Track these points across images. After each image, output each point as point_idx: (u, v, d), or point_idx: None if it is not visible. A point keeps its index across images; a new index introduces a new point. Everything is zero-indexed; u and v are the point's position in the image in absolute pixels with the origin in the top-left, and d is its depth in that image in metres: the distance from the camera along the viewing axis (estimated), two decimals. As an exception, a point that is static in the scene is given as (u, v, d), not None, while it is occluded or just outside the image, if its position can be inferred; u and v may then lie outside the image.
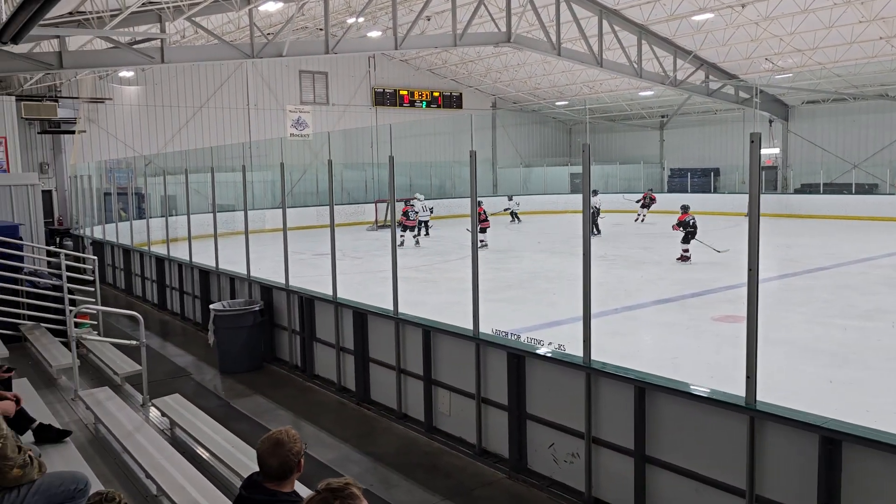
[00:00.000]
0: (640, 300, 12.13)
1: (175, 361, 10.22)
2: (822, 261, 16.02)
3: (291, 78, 30.01)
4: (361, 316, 7.98)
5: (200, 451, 5.86)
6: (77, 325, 8.45)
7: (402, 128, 31.61)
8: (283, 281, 9.48)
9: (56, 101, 24.25)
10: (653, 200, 26.56)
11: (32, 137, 24.69)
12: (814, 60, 23.78)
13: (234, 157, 26.09)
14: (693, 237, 16.45)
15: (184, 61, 17.87)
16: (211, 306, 9.89)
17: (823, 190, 27.98)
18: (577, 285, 5.52)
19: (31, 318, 9.68)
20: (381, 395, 7.82)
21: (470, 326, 6.46)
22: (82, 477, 3.47)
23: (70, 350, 7.50)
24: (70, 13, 14.44)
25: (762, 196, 4.43)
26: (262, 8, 17.86)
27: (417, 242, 20.74)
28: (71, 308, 9.29)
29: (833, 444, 3.98)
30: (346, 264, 15.92)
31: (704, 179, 31.88)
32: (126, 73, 25.85)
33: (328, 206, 8.89)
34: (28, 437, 4.61)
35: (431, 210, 22.63)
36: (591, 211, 22.60)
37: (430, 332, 6.97)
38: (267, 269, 10.64)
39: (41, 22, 8.49)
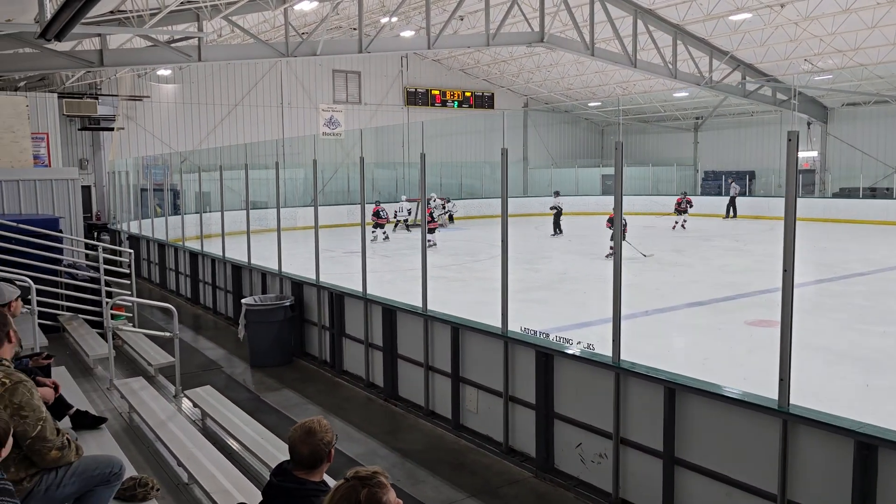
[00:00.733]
0: (671, 302, 12.00)
1: (207, 354, 10.38)
2: (860, 266, 15.67)
3: (325, 77, 30.28)
4: (391, 312, 8.02)
5: (230, 441, 5.95)
6: (113, 316, 8.64)
7: (434, 126, 31.73)
8: (314, 277, 9.58)
9: (96, 98, 24.82)
10: (689, 204, 24.78)
11: (73, 134, 25.28)
12: (855, 61, 23.27)
13: (267, 155, 26.44)
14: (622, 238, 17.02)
15: (220, 60, 18.16)
16: (242, 301, 10.03)
17: (863, 194, 27.35)
18: (607, 286, 5.49)
19: (69, 308, 9.92)
20: (409, 391, 7.86)
21: (498, 325, 6.46)
22: (117, 461, 3.56)
23: (106, 341, 7.67)
24: (111, 12, 14.76)
25: (800, 199, 4.36)
26: (297, 7, 18.06)
27: (386, 237, 22.27)
28: (107, 300, 9.50)
29: (869, 449, 3.90)
30: (375, 262, 16.03)
31: (740, 182, 31.41)
32: (164, 72, 26.33)
33: (359, 205, 8.96)
34: (65, 422, 4.73)
35: (409, 211, 24.82)
36: (555, 211, 22.84)
37: (458, 330, 6.98)
38: (298, 266, 10.76)
39: (83, 20, 8.70)
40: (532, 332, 6.69)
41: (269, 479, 2.98)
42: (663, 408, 4.99)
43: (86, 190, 24.44)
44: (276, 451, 5.26)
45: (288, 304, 9.68)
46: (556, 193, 24.62)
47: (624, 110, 34.25)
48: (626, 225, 17.05)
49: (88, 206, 24.61)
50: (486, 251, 18.48)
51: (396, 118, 31.91)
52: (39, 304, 8.08)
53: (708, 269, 15.59)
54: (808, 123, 29.21)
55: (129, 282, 10.57)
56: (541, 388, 6.01)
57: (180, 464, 4.96)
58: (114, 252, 11.62)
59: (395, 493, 2.27)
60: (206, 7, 15.41)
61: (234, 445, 5.87)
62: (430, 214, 22.10)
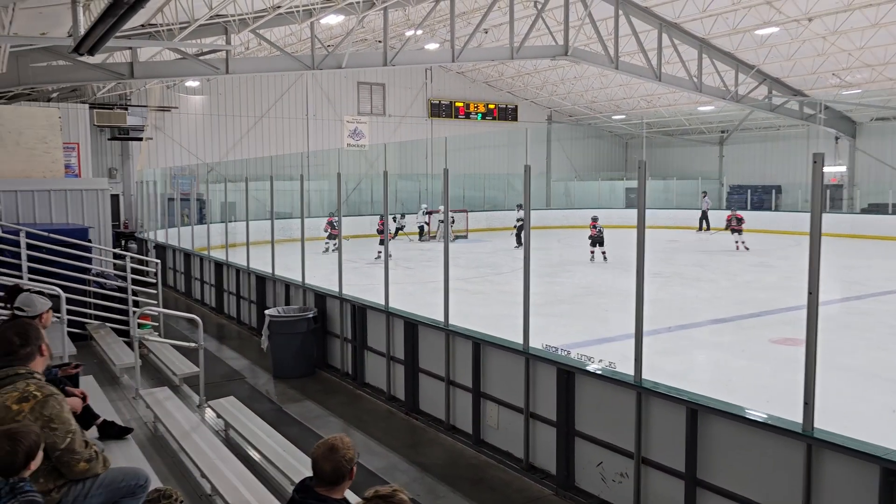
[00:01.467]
0: (694, 319, 11.90)
1: (230, 364, 10.49)
2: (889, 284, 15.40)
3: (349, 89, 30.58)
4: (412, 326, 8.06)
5: (253, 453, 6.01)
6: (139, 325, 8.78)
7: (457, 140, 31.83)
8: (337, 289, 9.65)
9: (126, 109, 25.30)
10: (740, 221, 21.93)
11: (102, 144, 25.78)
12: (884, 76, 22.97)
13: (292, 166, 26.73)
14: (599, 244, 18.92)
15: (247, 72, 18.43)
16: (266, 312, 10.13)
17: (892, 210, 26.90)
18: (629, 301, 5.47)
19: (97, 317, 10.09)
20: (430, 405, 7.87)
21: (520, 340, 6.47)
22: (143, 474, 3.62)
23: (133, 350, 7.80)
24: (142, 25, 15.07)
25: (827, 215, 4.33)
26: (323, 21, 18.29)
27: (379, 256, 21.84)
28: (134, 309, 9.66)
29: (895, 476, 3.84)
30: (398, 274, 16.09)
31: (765, 197, 31.07)
32: (192, 83, 26.77)
33: (382, 216, 9.02)
34: (92, 432, 4.81)
35: (401, 224, 24.67)
36: (520, 224, 22.55)
37: (479, 345, 6.99)
38: (321, 277, 10.85)
39: (115, 35, 8.89)
40: (553, 349, 6.68)
41: (291, 495, 3.02)
42: (685, 428, 4.95)
43: (114, 199, 24.84)
44: (297, 464, 5.30)
45: (311, 315, 9.76)
46: (519, 207, 23.88)
47: (648, 124, 34.09)
48: (602, 232, 18.92)
49: (116, 214, 25.03)
50: (508, 264, 18.48)
51: (420, 130, 32.09)
52: (68, 312, 8.23)
53: (732, 285, 15.43)
54: (836, 138, 28.85)
55: (155, 291, 10.73)
56: (562, 405, 6.00)
57: (203, 475, 5.02)
58: (140, 261, 11.81)
59: None
60: (234, 21, 15.66)
61: (256, 457, 5.93)
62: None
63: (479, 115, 33.53)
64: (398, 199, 28.23)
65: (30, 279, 8.78)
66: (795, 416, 4.32)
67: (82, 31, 8.67)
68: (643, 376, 5.33)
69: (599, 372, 5.78)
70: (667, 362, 8.51)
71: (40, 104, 19.44)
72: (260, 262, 12.45)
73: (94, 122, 23.66)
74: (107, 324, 9.96)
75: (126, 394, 7.50)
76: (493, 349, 6.84)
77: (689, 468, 4.94)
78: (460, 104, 33.01)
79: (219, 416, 6.68)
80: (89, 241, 10.49)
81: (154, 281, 10.83)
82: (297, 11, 16.24)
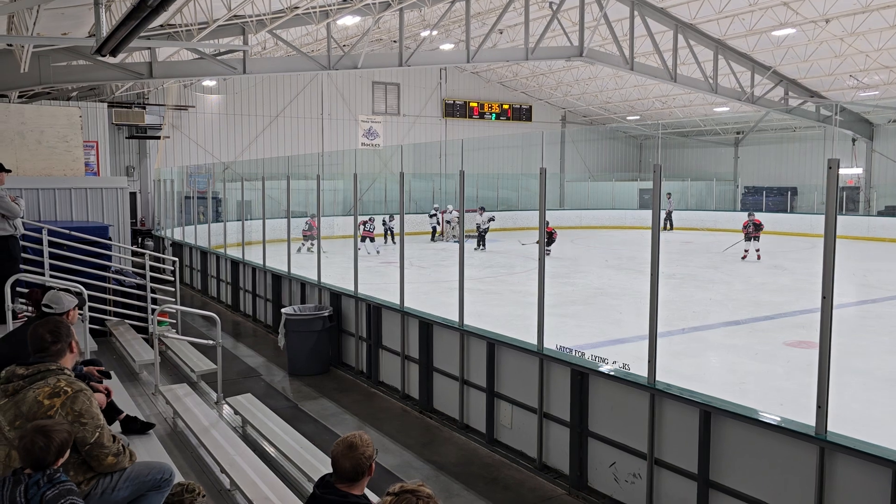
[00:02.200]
0: (708, 321, 11.89)
1: (246, 362, 10.61)
2: (906, 287, 15.31)
3: (364, 89, 30.71)
4: (427, 326, 8.13)
5: (270, 449, 6.11)
6: (158, 322, 8.91)
7: (471, 140, 31.88)
8: (352, 288, 9.75)
9: (144, 108, 25.56)
10: (758, 227, 19.92)
11: (120, 142, 26.06)
12: (902, 78, 22.79)
13: (307, 166, 26.88)
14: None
15: (264, 72, 18.56)
16: (282, 310, 10.24)
17: (909, 212, 26.70)
18: (643, 303, 5.52)
19: (116, 314, 10.24)
20: (444, 404, 7.94)
21: (533, 340, 6.52)
22: (168, 468, 3.71)
23: (152, 347, 7.92)
24: (161, 26, 15.25)
25: (843, 217, 4.36)
26: (339, 22, 18.39)
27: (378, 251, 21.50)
28: (154, 307, 9.80)
29: (908, 480, 3.86)
30: (412, 273, 16.16)
31: (780, 198, 30.89)
32: (209, 83, 27.00)
33: (398, 216, 9.09)
34: (115, 427, 4.93)
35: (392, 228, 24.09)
36: (483, 228, 22.14)
37: (494, 345, 7.05)
38: (336, 276, 10.95)
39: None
40: (567, 350, 6.73)
41: (312, 490, 3.10)
42: (698, 430, 4.99)
43: (131, 197, 25.13)
44: (313, 460, 5.40)
45: (326, 314, 9.86)
46: (482, 210, 23.49)
47: (663, 125, 33.99)
48: (555, 234, 19.49)
49: (134, 212, 25.31)
50: (522, 264, 18.51)
51: (434, 130, 32.17)
52: (90, 309, 8.37)
53: (747, 287, 15.38)
54: (853, 140, 28.63)
55: (173, 289, 10.87)
56: (575, 405, 6.05)
57: (223, 470, 5.12)
58: (158, 259, 11.96)
59: None
60: (251, 21, 15.81)
61: (273, 453, 6.03)
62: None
63: (494, 115, 33.57)
64: (412, 199, 28.33)
65: (51, 276, 8.93)
66: (809, 419, 4.36)
67: (105, 33, 8.80)
68: (657, 378, 5.37)
69: (613, 373, 5.82)
70: (680, 364, 8.53)
71: (60, 103, 19.69)
72: (276, 261, 12.57)
73: (113, 121, 23.95)
74: (126, 321, 10.11)
75: (146, 390, 7.62)
76: (508, 349, 6.90)
77: (701, 470, 4.98)
78: (474, 104, 33.07)
79: (236, 412, 6.79)
80: (109, 238, 10.64)
81: (172, 279, 10.97)
82: (314, 12, 16.36)
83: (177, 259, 11.61)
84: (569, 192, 35.51)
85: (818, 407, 4.28)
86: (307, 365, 9.76)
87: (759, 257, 19.55)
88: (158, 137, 26.48)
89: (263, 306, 13.14)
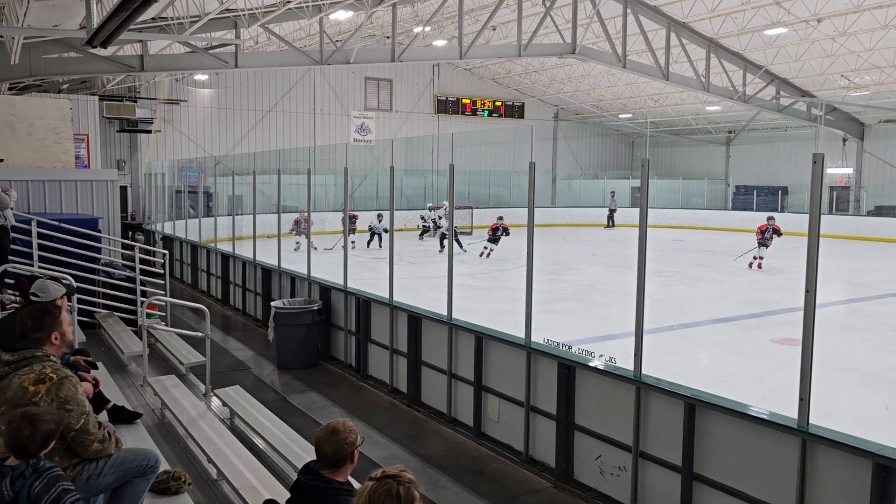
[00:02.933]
0: (696, 318, 11.96)
1: (236, 355, 10.62)
2: (893, 287, 15.43)
3: (357, 84, 30.67)
4: (416, 320, 8.16)
5: (258, 440, 6.13)
6: (147, 315, 8.92)
7: (463, 136, 31.90)
8: (342, 282, 9.76)
9: (135, 101, 25.45)
10: (778, 233, 17.81)
11: (111, 135, 25.95)
12: (893, 78, 22.92)
13: (298, 160, 26.80)
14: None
15: (256, 66, 18.53)
16: (272, 304, 10.26)
17: (899, 213, 26.88)
18: (632, 300, 5.56)
19: (105, 306, 10.23)
20: (432, 398, 7.98)
21: (521, 335, 6.56)
22: (154, 455, 3.73)
23: (140, 339, 7.92)
24: (153, 18, 15.19)
25: (833, 216, 4.42)
26: (332, 16, 18.37)
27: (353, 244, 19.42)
28: (142, 299, 9.79)
29: (887, 471, 3.92)
30: (402, 269, 16.18)
31: (771, 198, 31.03)
32: (200, 77, 26.90)
33: (388, 212, 9.11)
34: (103, 416, 4.94)
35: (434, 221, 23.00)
36: (443, 228, 21.66)
37: (482, 339, 7.09)
38: (326, 270, 10.97)
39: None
40: (555, 344, 6.77)
41: (297, 477, 3.12)
42: (683, 423, 5.04)
43: (122, 190, 25.00)
44: (301, 451, 5.42)
45: (316, 308, 9.87)
46: (432, 207, 23.10)
47: (655, 123, 34.08)
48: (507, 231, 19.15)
49: (124, 206, 25.21)
50: (512, 261, 18.53)
51: (426, 126, 32.15)
52: (78, 300, 8.36)
53: (736, 285, 15.47)
54: (844, 140, 28.81)
55: (163, 282, 10.87)
56: (562, 399, 6.10)
57: (210, 460, 5.14)
58: (148, 252, 11.94)
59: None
60: (244, 15, 15.77)
61: (261, 444, 6.05)
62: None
63: (486, 111, 33.58)
64: (403, 195, 28.31)
65: (40, 268, 8.91)
66: (793, 413, 4.41)
67: (95, 24, 8.78)
68: (643, 372, 5.42)
69: (600, 367, 5.87)
70: (668, 360, 8.56)
71: (51, 95, 19.60)
72: (266, 255, 12.57)
73: (104, 114, 23.82)
74: (115, 313, 10.10)
75: (134, 381, 7.63)
76: (496, 343, 6.94)
77: (686, 462, 5.03)
78: (467, 101, 33.07)
79: (224, 404, 6.80)
80: (98, 231, 10.62)
81: (161, 272, 10.96)
82: (307, 6, 16.33)
83: (167, 252, 11.60)
84: (560, 189, 35.59)
85: (800, 399, 4.35)
86: (296, 358, 9.78)
87: (760, 266, 17.61)
88: (150, 131, 26.37)
89: (253, 300, 13.14)
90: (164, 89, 26.67)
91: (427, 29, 22.06)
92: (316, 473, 3.02)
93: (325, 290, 10.29)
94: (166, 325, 10.05)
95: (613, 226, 30.33)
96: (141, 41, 15.14)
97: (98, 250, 10.47)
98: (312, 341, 9.90)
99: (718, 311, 12.65)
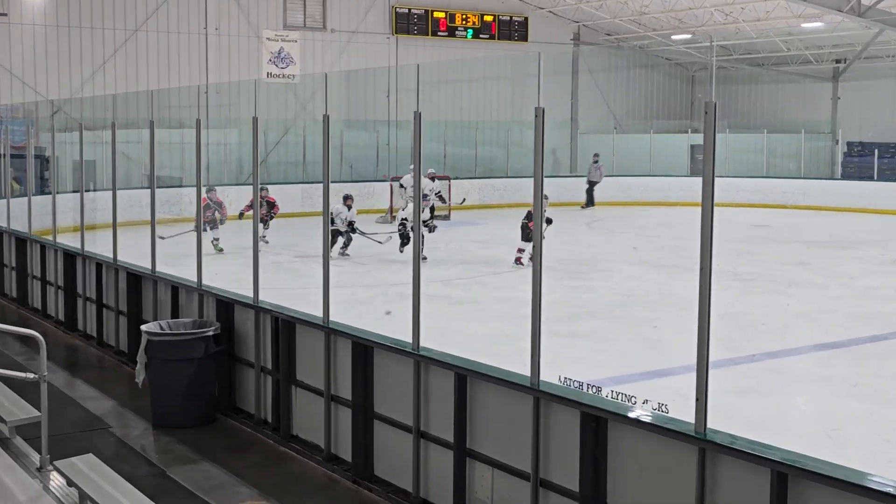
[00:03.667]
0: (789, 343, 12.10)
1: (87, 407, 10.53)
2: None
3: (272, -11, 30.58)
4: (365, 350, 8.14)
5: (122, 539, 6.08)
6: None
7: (436, 69, 31.84)
8: (251, 294, 9.71)
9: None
10: None
11: None
12: None
13: (182, 107, 26.62)
14: None
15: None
16: (143, 328, 10.17)
17: None
18: (689, 315, 5.59)
19: None
20: (391, 469, 7.97)
21: (526, 371, 6.58)
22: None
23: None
24: None
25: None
26: None
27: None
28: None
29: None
30: (346, 273, 16.14)
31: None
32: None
33: (321, 185, 9.09)
34: None
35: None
36: (429, 204, 21.33)
37: (465, 379, 7.09)
38: (226, 275, 10.92)
39: None
40: (577, 385, 6.80)
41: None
42: (770, 500, 5.09)
43: None
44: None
45: (211, 333, 9.81)
46: (431, 175, 22.83)
47: (726, 48, 34.28)
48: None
49: None
50: (510, 258, 18.60)
51: (379, 53, 32.08)
52: None
53: (847, 294, 15.68)
54: None
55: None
56: (587, 467, 6.12)
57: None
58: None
59: None
60: None
61: (128, 545, 6.00)
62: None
63: (470, 31, 33.54)
64: (344, 159, 28.24)
65: None
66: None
67: None
68: (709, 426, 5.46)
69: (645, 418, 5.90)
70: (747, 406, 8.67)
71: None
72: (133, 253, 12.47)
73: None
74: None
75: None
76: (487, 385, 6.95)
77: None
78: (441, 14, 32.97)
79: (70, 483, 6.72)
80: None
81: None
82: None
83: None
84: (584, 149, 35.67)
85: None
86: (181, 411, 9.72)
87: None
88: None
89: (114, 322, 13.04)
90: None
91: None
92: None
93: (225, 305, 10.24)
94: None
95: (593, 204, 31.01)
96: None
97: None
98: (206, 384, 9.85)
99: (822, 332, 12.80)
